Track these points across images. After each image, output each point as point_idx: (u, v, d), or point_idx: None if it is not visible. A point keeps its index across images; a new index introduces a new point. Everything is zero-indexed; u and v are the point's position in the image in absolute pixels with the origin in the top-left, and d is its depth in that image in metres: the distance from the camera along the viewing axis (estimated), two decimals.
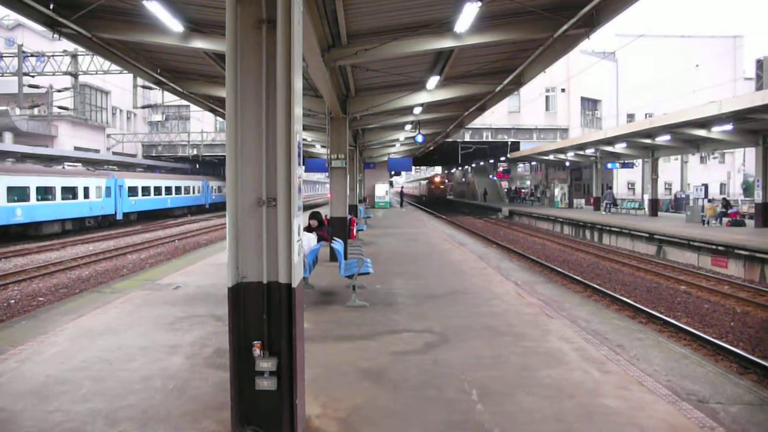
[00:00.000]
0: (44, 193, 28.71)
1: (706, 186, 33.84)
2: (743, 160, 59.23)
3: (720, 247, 18.94)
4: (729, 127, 22.70)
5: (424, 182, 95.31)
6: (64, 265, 19.21)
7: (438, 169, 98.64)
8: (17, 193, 26.65)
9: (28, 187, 27.39)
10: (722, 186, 58.86)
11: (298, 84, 4.43)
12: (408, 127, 25.44)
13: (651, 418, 5.12)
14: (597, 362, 6.64)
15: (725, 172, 59.98)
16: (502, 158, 53.33)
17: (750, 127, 23.50)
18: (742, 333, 11.04)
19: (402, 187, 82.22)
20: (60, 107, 39.46)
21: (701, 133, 24.58)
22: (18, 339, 7.54)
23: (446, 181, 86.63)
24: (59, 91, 36.46)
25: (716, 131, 23.78)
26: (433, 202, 74.50)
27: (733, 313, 12.68)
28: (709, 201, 30.59)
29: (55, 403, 5.40)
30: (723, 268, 18.56)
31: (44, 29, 10.46)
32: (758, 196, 24.80)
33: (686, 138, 27.61)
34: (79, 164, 36.90)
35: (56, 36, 10.50)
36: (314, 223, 12.20)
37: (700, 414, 5.21)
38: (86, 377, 6.08)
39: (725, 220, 26.23)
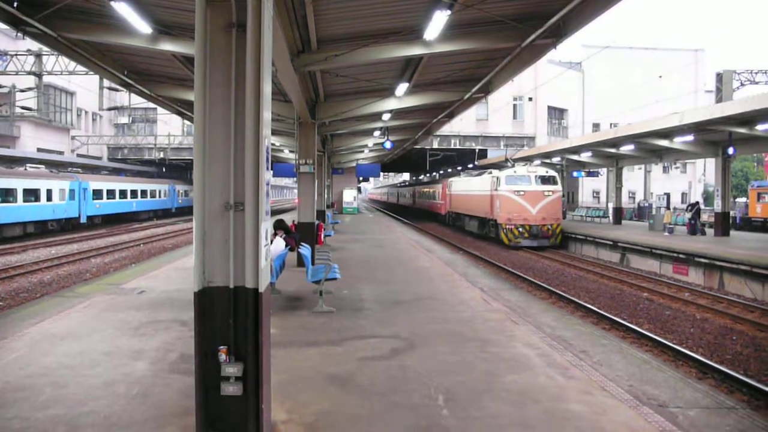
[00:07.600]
0: (5, 195, 28.03)
1: (668, 195, 34.50)
2: (704, 171, 60.74)
3: (681, 255, 19.37)
4: (690, 137, 23.26)
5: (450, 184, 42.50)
6: (25, 269, 18.75)
7: (406, 176, 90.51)
8: None
9: None
10: (684, 195, 60.20)
11: (267, 88, 4.42)
12: (377, 133, 25.51)
13: (613, 422, 5.23)
14: (561, 368, 6.74)
15: (687, 182, 61.38)
16: (470, 165, 53.66)
17: (710, 138, 24.12)
18: (701, 339, 11.30)
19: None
20: (23, 108, 38.48)
21: (664, 143, 25.12)
22: None
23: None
24: (22, 91, 35.56)
25: (678, 142, 24.33)
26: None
27: (693, 319, 12.98)
28: (668, 208, 31.07)
29: (14, 409, 5.28)
30: (684, 275, 18.98)
31: (7, 27, 10.24)
32: (717, 205, 25.41)
33: (650, 148, 28.18)
34: (42, 166, 36.10)
35: (20, 35, 10.32)
36: (280, 233, 11.74)
37: (660, 418, 5.34)
38: (47, 383, 5.95)
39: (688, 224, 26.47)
